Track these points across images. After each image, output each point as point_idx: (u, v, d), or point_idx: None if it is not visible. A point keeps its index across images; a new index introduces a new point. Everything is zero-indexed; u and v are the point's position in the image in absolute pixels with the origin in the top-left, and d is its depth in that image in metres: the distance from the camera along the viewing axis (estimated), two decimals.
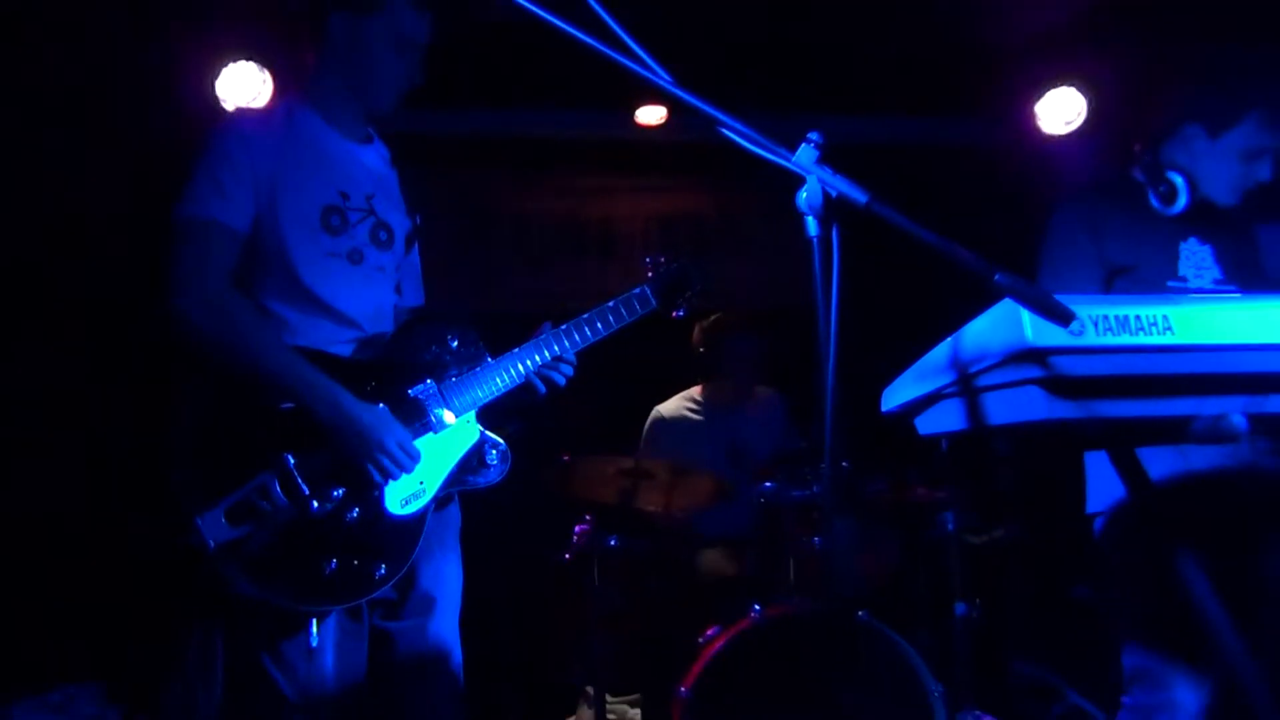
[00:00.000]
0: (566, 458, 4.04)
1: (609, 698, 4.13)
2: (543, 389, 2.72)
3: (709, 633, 3.68)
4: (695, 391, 4.92)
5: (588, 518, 4.09)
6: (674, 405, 4.90)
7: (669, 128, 5.34)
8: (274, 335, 2.45)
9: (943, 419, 2.00)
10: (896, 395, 2.06)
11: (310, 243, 2.50)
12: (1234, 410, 1.86)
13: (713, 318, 4.81)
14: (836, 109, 5.27)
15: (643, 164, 5.79)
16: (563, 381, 2.73)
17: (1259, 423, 2.00)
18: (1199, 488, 2.57)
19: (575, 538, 4.14)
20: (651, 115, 5.34)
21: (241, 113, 2.70)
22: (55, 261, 4.73)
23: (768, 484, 4.05)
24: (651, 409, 4.91)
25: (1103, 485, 2.70)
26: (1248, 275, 2.69)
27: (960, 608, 4.08)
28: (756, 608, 3.65)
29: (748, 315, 4.86)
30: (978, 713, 3.98)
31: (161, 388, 2.59)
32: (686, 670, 3.58)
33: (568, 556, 4.15)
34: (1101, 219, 2.66)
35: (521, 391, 2.70)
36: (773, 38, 4.94)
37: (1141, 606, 2.61)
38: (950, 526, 4.20)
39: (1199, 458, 2.56)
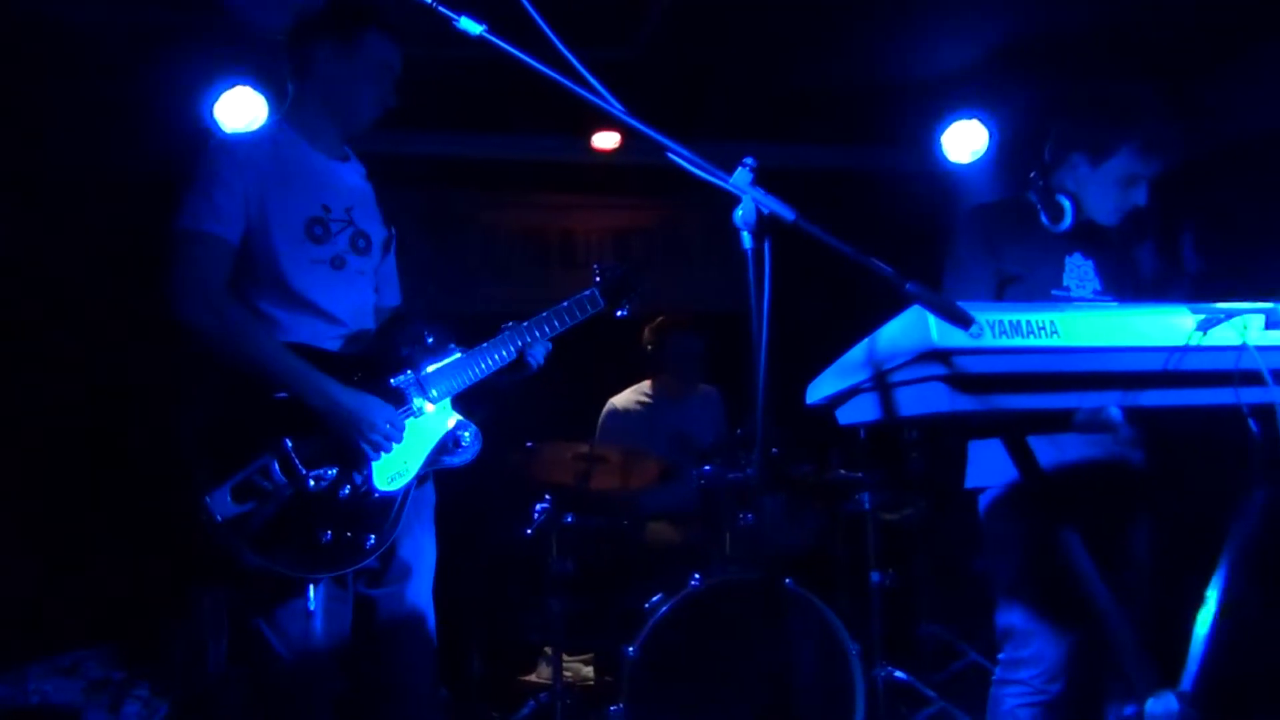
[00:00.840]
0: (530, 444, 4.04)
1: (565, 657, 4.13)
2: (534, 365, 2.78)
3: (654, 599, 3.69)
4: (645, 385, 4.93)
5: (547, 497, 4.09)
6: (626, 397, 4.91)
7: (622, 151, 5.34)
8: (268, 334, 2.44)
9: (860, 411, 2.01)
10: (819, 390, 2.08)
11: (297, 251, 2.49)
12: (1111, 404, 1.89)
13: (659, 319, 4.82)
14: (768, 137, 5.30)
15: (599, 184, 5.79)
16: (542, 357, 2.80)
17: (1131, 415, 2.04)
18: (1077, 474, 2.61)
19: (536, 515, 4.13)
20: (607, 140, 5.34)
21: (230, 136, 2.69)
22: (65, 272, 4.65)
23: (707, 467, 4.07)
24: (606, 401, 4.91)
25: (980, 465, 2.73)
26: (1124, 287, 2.72)
27: (875, 576, 4.13)
28: (696, 577, 3.67)
29: (690, 317, 4.88)
30: (890, 668, 4.03)
31: (169, 378, 2.55)
32: (634, 632, 3.59)
33: (529, 532, 4.14)
34: (997, 234, 2.67)
35: (512, 368, 2.74)
36: (714, 75, 4.96)
37: (1015, 573, 2.65)
38: (867, 505, 4.24)
39: (1072, 449, 2.61)
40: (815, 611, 3.62)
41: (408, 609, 2.59)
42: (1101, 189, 2.64)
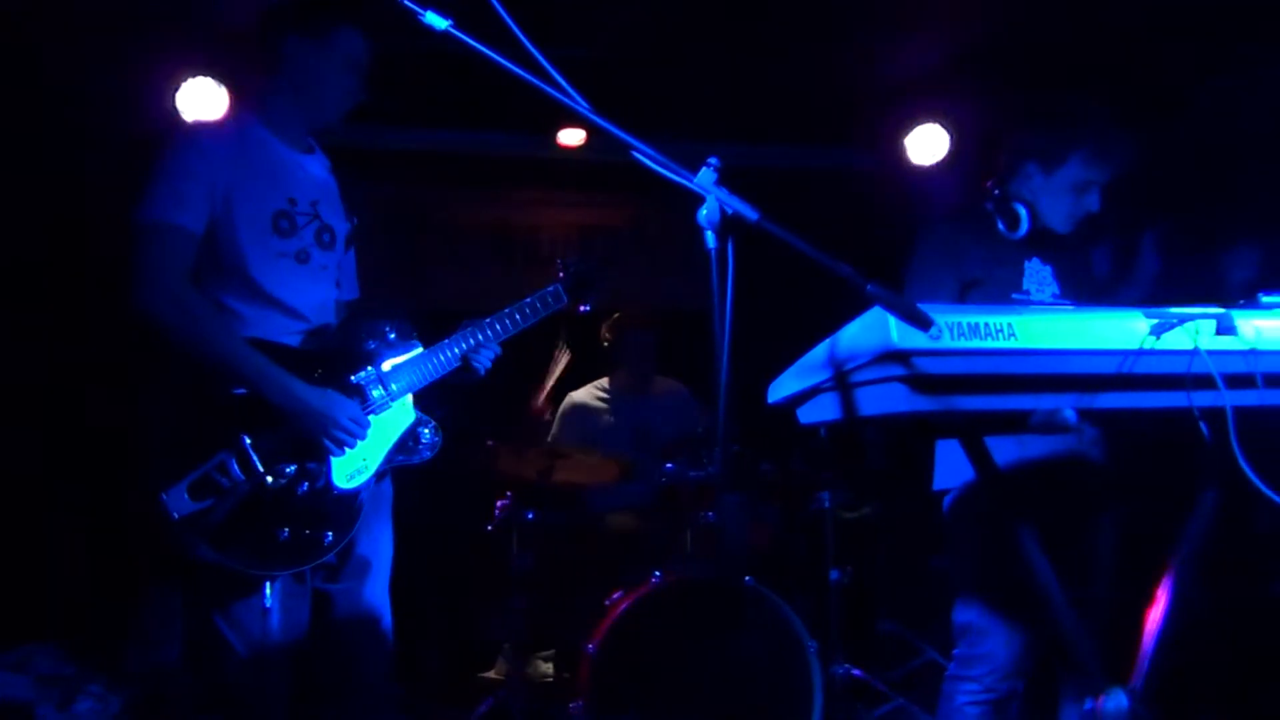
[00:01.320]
0: (491, 441, 4.02)
1: (525, 653, 4.12)
2: (481, 372, 2.74)
3: (614, 596, 3.69)
4: (604, 381, 4.93)
5: (508, 494, 4.08)
6: (585, 393, 4.91)
7: (588, 148, 5.33)
8: (229, 328, 2.41)
9: (820, 410, 2.03)
10: (781, 389, 2.09)
11: (262, 244, 2.46)
12: (1066, 406, 1.91)
13: (616, 315, 4.83)
14: (734, 137, 5.32)
15: (564, 180, 5.77)
16: (489, 362, 2.75)
17: (1087, 416, 2.07)
18: (1038, 473, 2.65)
19: (497, 511, 4.12)
20: (572, 137, 5.33)
21: (196, 124, 2.65)
22: (19, 264, 4.57)
23: (669, 465, 4.07)
24: (565, 396, 4.91)
25: (947, 467, 2.76)
26: (1081, 291, 2.76)
27: (834, 574, 4.15)
28: (657, 574, 3.67)
29: (647, 312, 4.89)
30: (848, 665, 4.06)
31: (126, 372, 2.53)
32: (594, 629, 3.59)
33: (490, 528, 4.13)
34: (958, 241, 2.70)
35: (459, 374, 2.70)
36: (684, 74, 4.98)
37: (973, 571, 2.69)
38: (827, 503, 4.27)
39: (1034, 447, 2.65)
40: (774, 609, 3.64)
41: (364, 605, 2.58)
42: (1055, 196, 2.69)
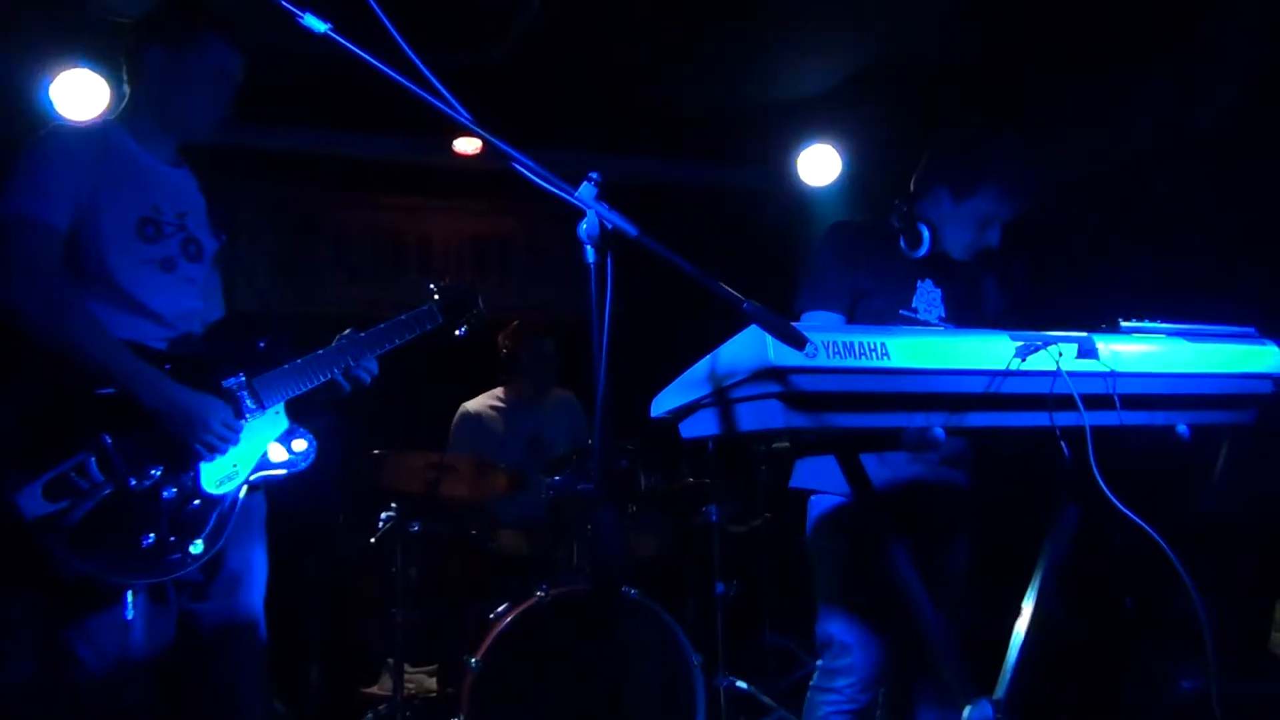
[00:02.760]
0: (376, 451, 3.96)
1: (408, 668, 4.05)
2: (347, 387, 2.67)
3: (499, 609, 3.67)
4: (499, 391, 4.90)
5: (393, 505, 4.02)
6: (479, 403, 4.87)
7: (483, 156, 5.31)
8: (100, 325, 2.32)
9: (702, 425, 2.05)
10: (664, 403, 2.10)
11: (126, 250, 2.39)
12: (936, 424, 1.97)
13: (513, 324, 4.81)
14: (624, 151, 5.35)
15: (458, 188, 5.73)
16: (367, 379, 2.70)
17: (955, 435, 2.14)
18: (904, 491, 2.72)
19: (381, 523, 4.05)
20: (468, 145, 5.29)
21: (63, 126, 2.55)
22: None
23: (557, 477, 4.06)
24: (457, 408, 4.87)
25: (807, 467, 2.82)
26: (967, 318, 2.83)
27: (719, 587, 4.19)
28: (542, 587, 3.66)
29: (545, 323, 4.88)
30: (732, 678, 4.10)
31: None
32: (478, 643, 3.55)
33: (373, 540, 4.06)
34: (856, 252, 2.74)
35: (326, 389, 2.64)
36: (570, 86, 4.99)
37: (837, 584, 2.74)
38: (714, 517, 4.31)
39: (901, 466, 2.71)
40: (659, 622, 3.66)
41: (236, 622, 2.50)
42: (959, 225, 2.74)
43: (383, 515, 4.03)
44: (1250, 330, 2.30)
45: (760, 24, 4.44)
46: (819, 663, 2.77)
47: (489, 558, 4.26)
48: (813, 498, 2.80)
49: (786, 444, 2.50)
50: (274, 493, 2.67)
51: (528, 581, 3.74)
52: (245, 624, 2.52)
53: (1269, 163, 3.63)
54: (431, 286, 2.94)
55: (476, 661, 3.49)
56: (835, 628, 2.70)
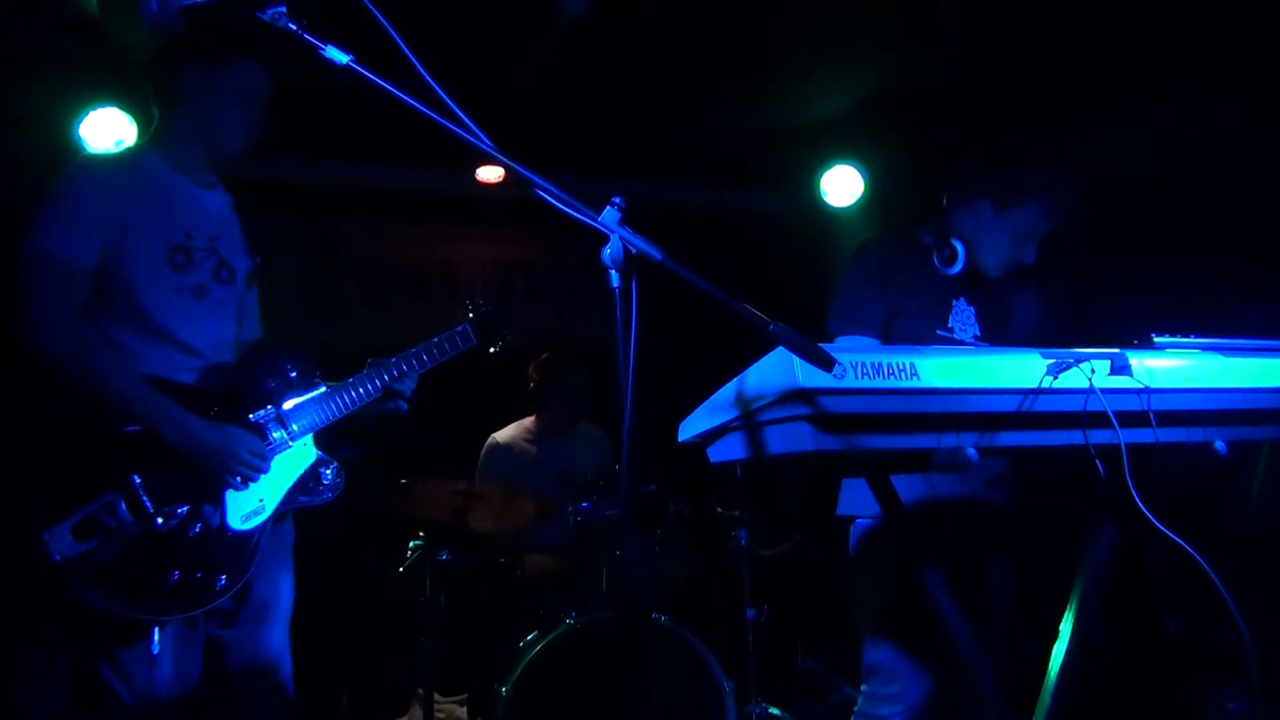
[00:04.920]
0: (404, 480, 3.96)
1: (438, 698, 4.04)
2: (391, 407, 2.71)
3: (528, 637, 3.64)
4: (529, 422, 4.90)
5: (421, 534, 4.01)
6: (509, 433, 4.87)
7: (507, 184, 5.33)
8: (124, 364, 2.34)
9: (729, 449, 2.02)
10: (691, 427, 2.08)
11: (156, 279, 2.41)
12: (967, 444, 1.94)
13: (544, 356, 4.82)
14: (644, 175, 5.36)
15: (482, 216, 5.75)
16: (405, 400, 2.73)
17: (988, 454, 2.11)
18: (939, 513, 2.68)
19: (410, 552, 4.05)
20: (491, 173, 5.33)
21: (90, 158, 2.57)
22: None
23: (585, 504, 4.05)
24: (487, 437, 4.86)
25: (851, 494, 2.77)
26: (1000, 336, 2.79)
27: (750, 613, 4.15)
28: (572, 614, 3.64)
29: (574, 354, 4.88)
30: (764, 704, 4.05)
31: (12, 406, 2.42)
32: (508, 671, 3.53)
33: (401, 569, 4.06)
34: (890, 269, 2.70)
35: (382, 405, 2.68)
36: (597, 113, 5.01)
37: (882, 609, 2.69)
38: (743, 541, 4.27)
39: (942, 485, 2.67)
40: (690, 649, 3.62)
41: (261, 652, 2.50)
42: (998, 238, 2.71)
43: (411, 544, 4.02)
44: None
45: (781, 48, 4.44)
46: (864, 688, 2.71)
47: (517, 586, 4.25)
48: (856, 522, 2.77)
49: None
50: (303, 521, 2.67)
51: (556, 609, 3.72)
52: (270, 659, 2.52)
53: None
54: (468, 302, 2.96)
55: (507, 690, 3.47)
56: (884, 654, 2.65)
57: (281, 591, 2.57)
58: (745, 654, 4.08)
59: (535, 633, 3.64)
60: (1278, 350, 2.23)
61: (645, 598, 3.81)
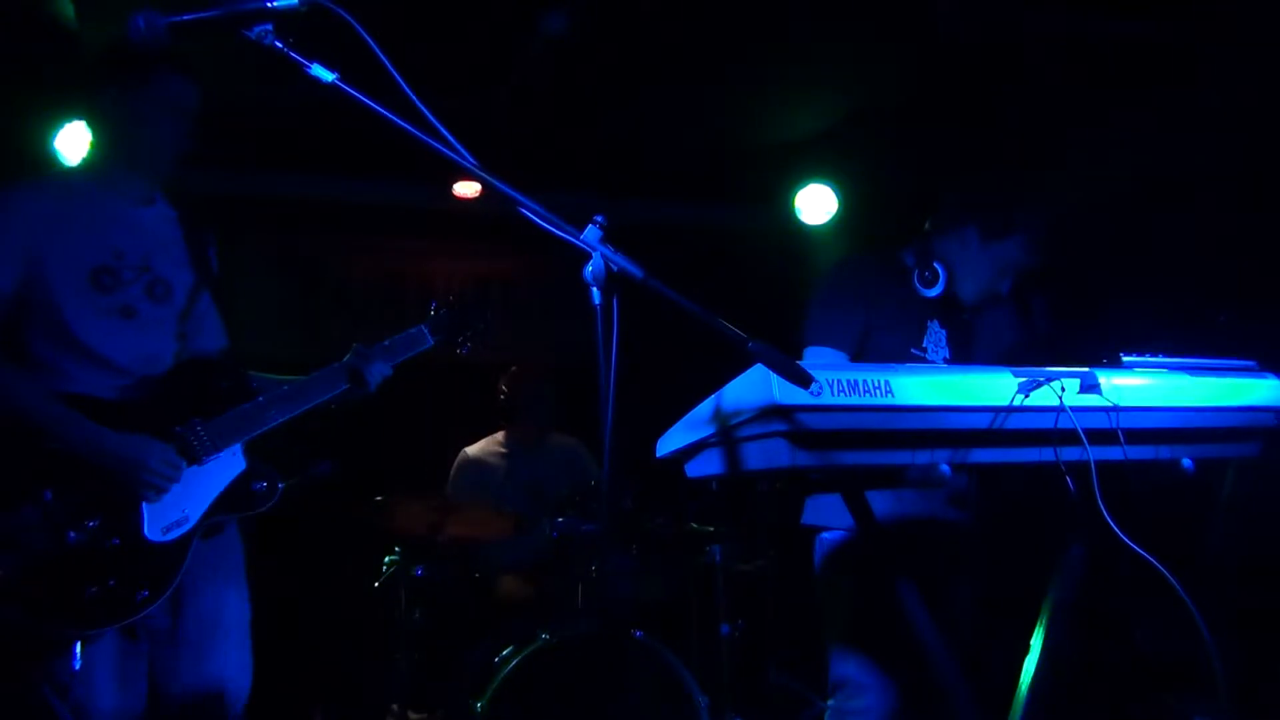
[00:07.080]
0: (379, 497, 3.95)
1: (411, 713, 4.01)
2: (371, 385, 2.67)
3: (503, 653, 3.64)
4: (500, 435, 4.89)
5: (396, 550, 4.00)
6: (480, 447, 4.86)
7: (484, 199, 5.34)
8: (33, 384, 2.34)
9: (707, 464, 2.04)
10: (669, 443, 2.10)
11: (81, 301, 2.40)
12: (940, 460, 1.97)
13: (513, 368, 4.82)
14: (622, 193, 5.39)
15: (460, 231, 5.76)
16: (379, 377, 2.69)
17: (960, 471, 2.14)
18: (908, 527, 2.70)
19: (384, 567, 4.03)
20: (468, 189, 5.34)
21: (11, 185, 2.56)
22: None
23: (560, 519, 4.05)
24: (460, 451, 4.86)
25: (816, 503, 2.79)
26: (968, 360, 2.82)
27: (724, 628, 4.16)
28: (547, 629, 3.63)
29: (545, 366, 4.89)
30: (738, 718, 4.06)
31: None
32: (483, 687, 3.52)
33: (376, 585, 4.04)
34: (869, 286, 2.72)
35: (348, 392, 2.65)
36: (574, 131, 5.04)
37: (850, 623, 2.71)
38: (718, 557, 4.28)
39: (908, 502, 2.70)
40: (664, 664, 3.63)
41: (207, 670, 2.46)
42: (979, 267, 2.74)
43: (386, 559, 4.01)
44: (1251, 364, 2.31)
45: (757, 66, 4.49)
46: (830, 703, 2.72)
47: (491, 601, 4.24)
48: (821, 534, 2.78)
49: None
50: (274, 536, 2.64)
51: (531, 624, 3.71)
52: (216, 685, 2.47)
53: (1270, 198, 3.66)
54: (432, 303, 2.92)
55: (482, 706, 3.46)
56: (851, 669, 2.66)
57: (228, 607, 2.53)
58: (720, 669, 4.09)
59: (510, 648, 3.63)
60: (1242, 370, 2.28)
61: (623, 613, 3.82)
